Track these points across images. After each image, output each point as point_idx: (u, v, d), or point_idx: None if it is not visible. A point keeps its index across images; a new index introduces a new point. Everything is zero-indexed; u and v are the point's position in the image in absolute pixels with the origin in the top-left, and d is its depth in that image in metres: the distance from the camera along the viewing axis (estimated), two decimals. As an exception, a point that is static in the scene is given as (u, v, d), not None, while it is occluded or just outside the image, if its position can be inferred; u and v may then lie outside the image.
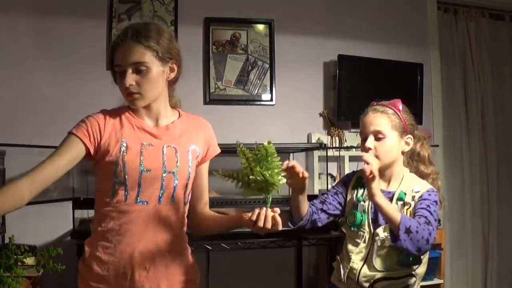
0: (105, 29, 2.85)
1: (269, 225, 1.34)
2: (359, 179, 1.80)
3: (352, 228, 1.74)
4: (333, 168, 3.06)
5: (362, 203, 1.75)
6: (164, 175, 1.46)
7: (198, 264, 2.82)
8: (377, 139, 1.70)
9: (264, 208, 1.35)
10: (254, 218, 1.35)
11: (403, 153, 1.74)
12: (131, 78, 1.39)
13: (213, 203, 2.26)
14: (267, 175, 1.31)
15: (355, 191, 1.79)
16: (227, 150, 2.73)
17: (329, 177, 2.95)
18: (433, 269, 2.92)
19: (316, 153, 3.03)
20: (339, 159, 3.07)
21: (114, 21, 2.86)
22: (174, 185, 1.47)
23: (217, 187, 2.62)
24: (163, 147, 1.48)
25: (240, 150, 1.34)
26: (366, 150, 1.70)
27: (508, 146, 3.75)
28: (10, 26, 2.70)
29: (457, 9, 3.65)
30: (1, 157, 2.45)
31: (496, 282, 3.61)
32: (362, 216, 1.71)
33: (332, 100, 3.18)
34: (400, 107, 1.74)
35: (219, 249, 2.35)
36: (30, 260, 1.98)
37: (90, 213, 2.36)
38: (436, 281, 2.92)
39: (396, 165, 1.74)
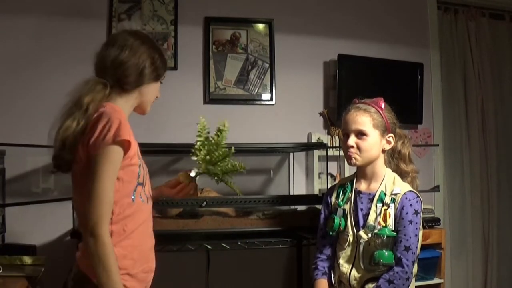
0: (105, 29, 2.85)
1: None
2: (341, 186, 1.83)
3: (331, 233, 1.75)
4: (333, 167, 3.06)
5: (342, 207, 1.76)
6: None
7: (198, 264, 2.84)
8: (359, 137, 1.72)
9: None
10: None
11: (383, 151, 1.75)
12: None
13: (213, 203, 2.27)
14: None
15: (338, 198, 1.81)
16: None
17: (329, 177, 2.95)
18: (433, 268, 2.92)
19: (316, 153, 3.04)
20: (339, 159, 3.07)
21: (114, 21, 2.86)
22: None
23: (217, 187, 2.62)
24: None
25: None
26: (348, 147, 1.72)
27: (508, 146, 3.75)
28: (9, 27, 2.70)
29: (457, 8, 3.64)
30: (1, 157, 2.45)
31: (496, 282, 3.61)
32: (340, 220, 1.73)
33: (332, 100, 3.17)
34: (383, 106, 1.74)
35: (219, 249, 2.35)
36: (29, 260, 1.98)
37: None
38: (436, 280, 2.92)
39: (377, 164, 1.75)
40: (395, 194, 1.67)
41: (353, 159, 1.73)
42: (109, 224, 1.35)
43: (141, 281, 1.44)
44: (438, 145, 3.36)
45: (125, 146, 1.36)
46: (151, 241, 1.51)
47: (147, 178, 1.51)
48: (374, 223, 1.66)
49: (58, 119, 1.42)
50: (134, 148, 1.41)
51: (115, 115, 1.36)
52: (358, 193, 1.76)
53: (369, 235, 1.66)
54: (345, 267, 1.71)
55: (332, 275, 1.79)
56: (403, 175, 1.78)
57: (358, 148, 1.71)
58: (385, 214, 1.65)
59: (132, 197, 1.42)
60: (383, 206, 1.67)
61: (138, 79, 1.48)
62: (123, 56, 1.47)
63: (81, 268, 1.38)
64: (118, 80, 1.47)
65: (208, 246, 2.33)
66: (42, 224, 2.63)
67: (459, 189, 3.60)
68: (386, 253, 1.62)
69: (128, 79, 1.47)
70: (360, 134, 1.71)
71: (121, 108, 1.45)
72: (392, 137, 1.74)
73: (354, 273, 1.68)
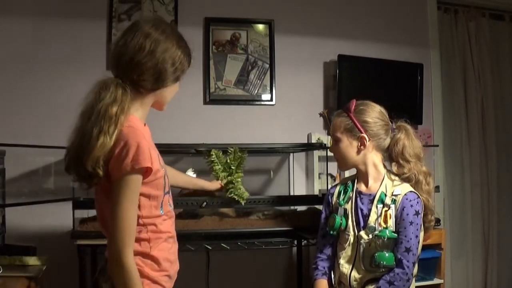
0: (105, 29, 2.85)
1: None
2: (343, 185, 1.84)
3: (332, 232, 1.75)
4: (333, 168, 3.05)
5: (342, 206, 1.76)
6: None
7: (198, 264, 2.84)
8: (335, 143, 1.77)
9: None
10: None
11: (359, 152, 1.74)
12: None
13: (213, 203, 2.27)
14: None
15: (339, 197, 1.81)
16: (227, 150, 2.74)
17: (329, 177, 2.95)
18: (433, 269, 2.92)
19: (316, 153, 3.04)
20: (339, 159, 3.07)
21: (114, 21, 2.86)
22: None
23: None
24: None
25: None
26: None
27: (508, 146, 3.75)
28: (9, 28, 2.70)
29: (457, 9, 3.65)
30: (1, 157, 2.45)
31: (496, 282, 3.61)
32: (341, 219, 1.72)
33: (332, 100, 3.17)
34: (352, 108, 1.75)
35: (219, 249, 2.35)
36: (30, 260, 1.98)
37: (90, 213, 2.36)
38: (436, 281, 2.91)
39: (371, 164, 1.74)
40: (396, 195, 1.66)
41: (339, 165, 1.82)
42: (144, 233, 1.35)
43: (173, 281, 1.45)
44: (438, 146, 3.36)
45: (144, 171, 1.30)
46: (177, 244, 1.51)
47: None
48: (375, 224, 1.66)
49: (76, 132, 1.32)
50: (156, 163, 1.35)
51: (133, 138, 1.28)
52: (359, 193, 1.75)
53: (370, 236, 1.65)
54: (345, 267, 1.71)
55: (332, 276, 1.78)
56: (400, 177, 1.73)
57: (335, 154, 1.79)
58: (385, 215, 1.65)
59: (161, 210, 1.39)
60: (383, 207, 1.66)
61: (155, 83, 1.37)
62: (140, 56, 1.33)
63: None
64: (133, 82, 1.34)
65: (208, 247, 2.33)
66: (42, 224, 2.63)
67: (459, 189, 3.60)
68: (387, 255, 1.62)
69: (144, 83, 1.35)
70: (336, 140, 1.77)
71: (136, 114, 1.37)
72: (364, 138, 1.72)
73: (355, 273, 1.68)
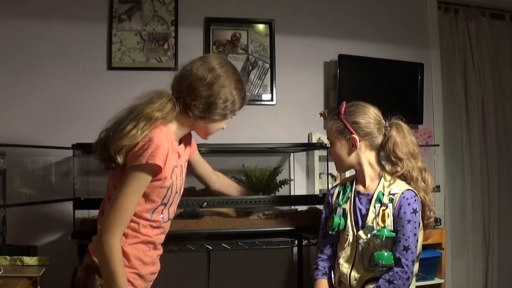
0: (105, 29, 2.85)
1: None
2: (342, 186, 1.85)
3: (331, 232, 1.76)
4: (333, 168, 3.03)
5: (341, 206, 1.76)
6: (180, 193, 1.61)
7: (199, 264, 2.84)
8: (330, 145, 1.81)
9: None
10: None
11: (351, 152, 1.74)
12: None
13: (214, 203, 2.27)
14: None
15: (339, 197, 1.81)
16: (227, 150, 2.75)
17: (329, 177, 2.95)
18: (434, 268, 2.92)
19: (317, 153, 3.03)
20: (339, 159, 3.06)
21: (114, 21, 2.86)
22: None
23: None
24: (181, 166, 1.57)
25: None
26: None
27: (508, 145, 3.75)
28: (9, 28, 2.70)
29: (457, 8, 3.65)
30: (1, 157, 2.45)
31: (497, 282, 3.61)
32: (340, 219, 1.73)
33: (332, 100, 3.17)
34: (342, 110, 1.76)
35: (220, 249, 2.35)
36: (30, 260, 1.98)
37: (91, 213, 2.36)
38: (436, 280, 2.92)
39: (366, 165, 1.75)
40: (393, 194, 1.66)
41: (336, 167, 1.84)
42: (126, 229, 1.43)
43: (147, 281, 1.54)
44: (438, 145, 3.36)
45: (156, 169, 1.41)
46: (160, 250, 1.60)
47: (175, 198, 1.56)
48: (373, 223, 1.66)
49: (116, 120, 1.46)
50: (168, 171, 1.45)
51: (158, 137, 1.41)
52: (357, 193, 1.76)
53: (368, 235, 1.65)
54: (345, 267, 1.71)
55: (333, 275, 1.79)
56: (395, 175, 1.72)
57: (332, 156, 1.81)
58: (383, 215, 1.65)
59: (151, 215, 1.48)
60: (381, 206, 1.66)
61: (202, 112, 1.50)
62: (199, 84, 1.48)
63: (93, 259, 1.44)
64: (185, 104, 1.49)
65: (209, 247, 2.33)
66: (43, 224, 2.63)
67: (459, 189, 3.60)
68: (386, 254, 1.62)
69: (193, 108, 1.49)
70: (330, 143, 1.79)
71: (173, 129, 1.50)
72: (355, 138, 1.72)
73: (354, 273, 1.68)
